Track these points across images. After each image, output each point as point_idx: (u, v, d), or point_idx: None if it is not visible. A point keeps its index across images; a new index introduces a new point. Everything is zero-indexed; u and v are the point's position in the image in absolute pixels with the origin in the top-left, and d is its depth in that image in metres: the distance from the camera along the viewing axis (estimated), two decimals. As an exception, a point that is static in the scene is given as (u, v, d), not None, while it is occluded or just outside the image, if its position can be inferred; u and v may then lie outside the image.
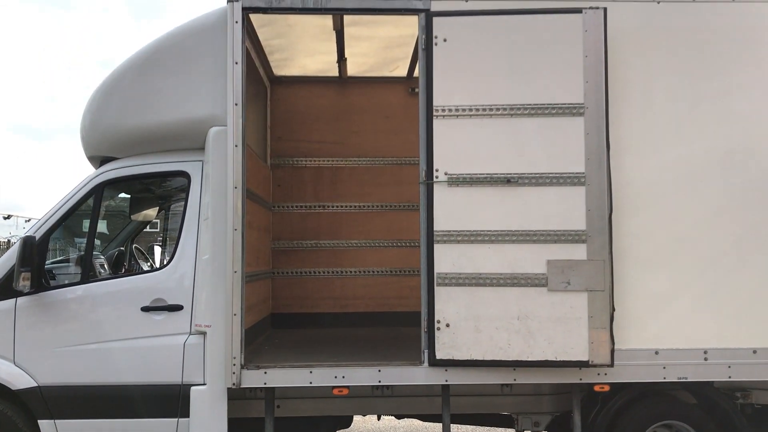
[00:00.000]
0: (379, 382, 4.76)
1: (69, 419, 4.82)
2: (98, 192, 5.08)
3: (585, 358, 4.62)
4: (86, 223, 5.24)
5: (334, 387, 4.76)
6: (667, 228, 4.82)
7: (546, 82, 4.72)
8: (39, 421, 4.81)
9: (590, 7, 4.72)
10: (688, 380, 4.79)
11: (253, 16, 5.40)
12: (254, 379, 4.71)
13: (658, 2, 4.91)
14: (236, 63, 4.78)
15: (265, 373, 4.72)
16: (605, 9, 4.73)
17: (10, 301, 4.87)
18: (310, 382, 4.74)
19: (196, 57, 4.96)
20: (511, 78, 4.74)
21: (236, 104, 4.77)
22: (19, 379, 4.82)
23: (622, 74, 4.84)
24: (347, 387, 4.79)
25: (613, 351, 4.65)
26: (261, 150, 6.97)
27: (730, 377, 4.79)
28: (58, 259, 6.46)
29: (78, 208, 5.07)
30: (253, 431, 5.18)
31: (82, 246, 5.55)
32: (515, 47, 4.74)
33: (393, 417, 5.84)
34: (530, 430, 5.34)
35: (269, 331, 6.77)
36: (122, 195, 5.96)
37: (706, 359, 4.77)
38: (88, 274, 5.04)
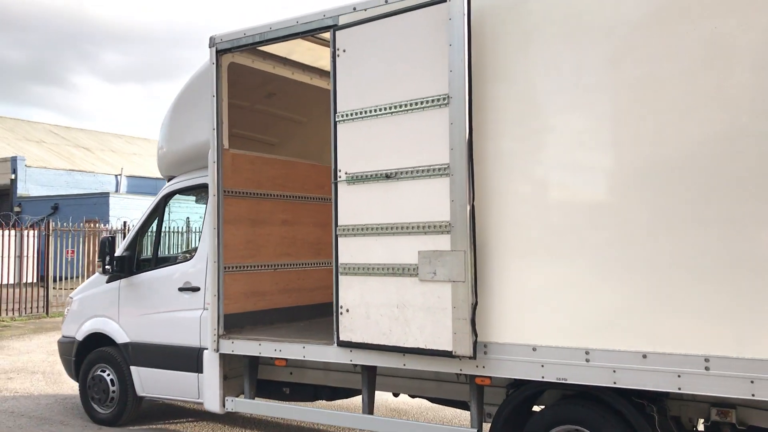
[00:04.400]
0: (304, 357, 5.48)
1: (142, 367, 6.72)
2: (162, 202, 6.88)
3: (449, 349, 4.62)
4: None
5: (275, 358, 5.67)
6: (547, 217, 4.44)
7: (418, 77, 4.82)
8: (131, 366, 6.81)
9: (454, -6, 4.66)
10: (568, 382, 4.35)
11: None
12: (226, 347, 5.90)
13: (538, -30, 4.51)
14: (213, 96, 6.01)
15: (233, 342, 5.87)
16: (468, -8, 4.61)
17: (117, 282, 6.99)
18: (260, 353, 5.73)
19: (202, 93, 6.32)
20: (390, 78, 4.96)
21: (214, 128, 6.00)
22: (121, 335, 6.90)
23: (500, 55, 4.61)
24: (284, 359, 5.64)
25: (475, 343, 4.55)
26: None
27: (615, 383, 4.20)
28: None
29: (154, 215, 6.94)
30: (277, 391, 6.38)
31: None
32: (393, 48, 4.94)
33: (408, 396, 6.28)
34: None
35: None
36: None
37: (587, 361, 4.27)
38: (156, 263, 6.85)
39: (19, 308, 17.08)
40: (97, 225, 20.72)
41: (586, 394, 4.57)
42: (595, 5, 4.31)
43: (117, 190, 35.46)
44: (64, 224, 19.65)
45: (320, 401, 6.54)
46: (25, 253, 18.01)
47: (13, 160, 32.92)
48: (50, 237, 17.89)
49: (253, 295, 6.36)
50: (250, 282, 6.34)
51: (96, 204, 29.37)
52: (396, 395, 6.39)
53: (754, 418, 4.36)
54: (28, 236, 18.37)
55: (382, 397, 7.17)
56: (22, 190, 32.63)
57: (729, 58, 3.91)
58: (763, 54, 3.83)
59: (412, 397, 6.25)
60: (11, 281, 17.60)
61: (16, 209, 31.37)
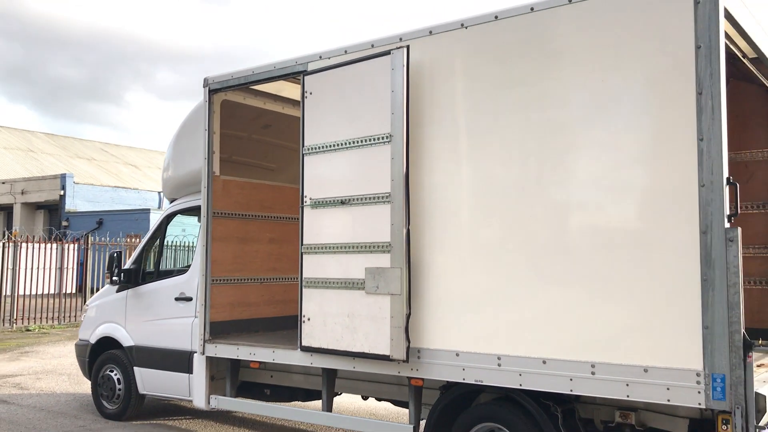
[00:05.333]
0: (273, 360, 6.22)
1: (143, 368, 7.56)
2: (164, 222, 7.76)
3: (387, 353, 5.32)
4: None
5: (251, 361, 6.43)
6: (468, 239, 5.13)
7: (368, 118, 5.57)
8: (134, 367, 7.66)
9: (397, 47, 5.41)
10: (484, 383, 5.00)
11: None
12: (211, 350, 6.70)
13: (466, 27, 5.24)
14: (205, 130, 6.86)
15: (216, 346, 6.66)
16: (408, 46, 5.36)
17: (124, 292, 7.87)
18: (237, 356, 6.50)
19: (198, 126, 7.18)
20: (347, 118, 5.72)
21: (205, 158, 6.85)
22: (126, 339, 7.77)
23: (435, 100, 5.34)
24: (258, 362, 6.39)
25: (408, 348, 5.24)
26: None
27: (521, 385, 4.84)
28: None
29: (158, 233, 7.82)
30: (260, 392, 7.14)
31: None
32: (349, 92, 5.71)
33: (374, 399, 6.96)
34: (424, 419, 5.95)
35: None
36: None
37: (499, 365, 4.93)
38: (157, 276, 7.71)
39: (58, 317, 18.28)
40: (134, 239, 21.89)
41: (508, 396, 5.21)
42: (504, 67, 5.02)
43: (160, 206, 36.95)
44: (102, 239, 20.88)
45: (296, 401, 7.26)
46: (65, 266, 19.25)
47: (63, 177, 34.72)
48: (88, 251, 19.10)
49: (239, 305, 7.16)
50: (237, 293, 7.14)
51: (137, 219, 30.78)
52: (365, 398, 7.08)
53: (651, 419, 4.93)
54: (68, 250, 19.62)
55: (357, 401, 7.87)
56: (70, 205, 34.36)
57: (616, 107, 4.58)
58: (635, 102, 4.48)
59: (378, 400, 6.94)
60: (52, 291, 18.85)
61: (64, 224, 33.06)
